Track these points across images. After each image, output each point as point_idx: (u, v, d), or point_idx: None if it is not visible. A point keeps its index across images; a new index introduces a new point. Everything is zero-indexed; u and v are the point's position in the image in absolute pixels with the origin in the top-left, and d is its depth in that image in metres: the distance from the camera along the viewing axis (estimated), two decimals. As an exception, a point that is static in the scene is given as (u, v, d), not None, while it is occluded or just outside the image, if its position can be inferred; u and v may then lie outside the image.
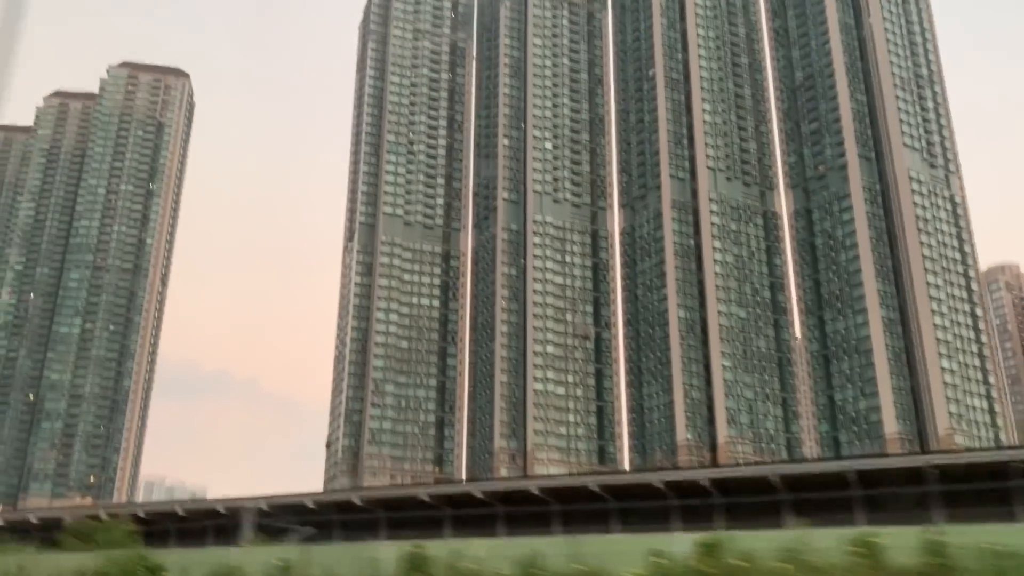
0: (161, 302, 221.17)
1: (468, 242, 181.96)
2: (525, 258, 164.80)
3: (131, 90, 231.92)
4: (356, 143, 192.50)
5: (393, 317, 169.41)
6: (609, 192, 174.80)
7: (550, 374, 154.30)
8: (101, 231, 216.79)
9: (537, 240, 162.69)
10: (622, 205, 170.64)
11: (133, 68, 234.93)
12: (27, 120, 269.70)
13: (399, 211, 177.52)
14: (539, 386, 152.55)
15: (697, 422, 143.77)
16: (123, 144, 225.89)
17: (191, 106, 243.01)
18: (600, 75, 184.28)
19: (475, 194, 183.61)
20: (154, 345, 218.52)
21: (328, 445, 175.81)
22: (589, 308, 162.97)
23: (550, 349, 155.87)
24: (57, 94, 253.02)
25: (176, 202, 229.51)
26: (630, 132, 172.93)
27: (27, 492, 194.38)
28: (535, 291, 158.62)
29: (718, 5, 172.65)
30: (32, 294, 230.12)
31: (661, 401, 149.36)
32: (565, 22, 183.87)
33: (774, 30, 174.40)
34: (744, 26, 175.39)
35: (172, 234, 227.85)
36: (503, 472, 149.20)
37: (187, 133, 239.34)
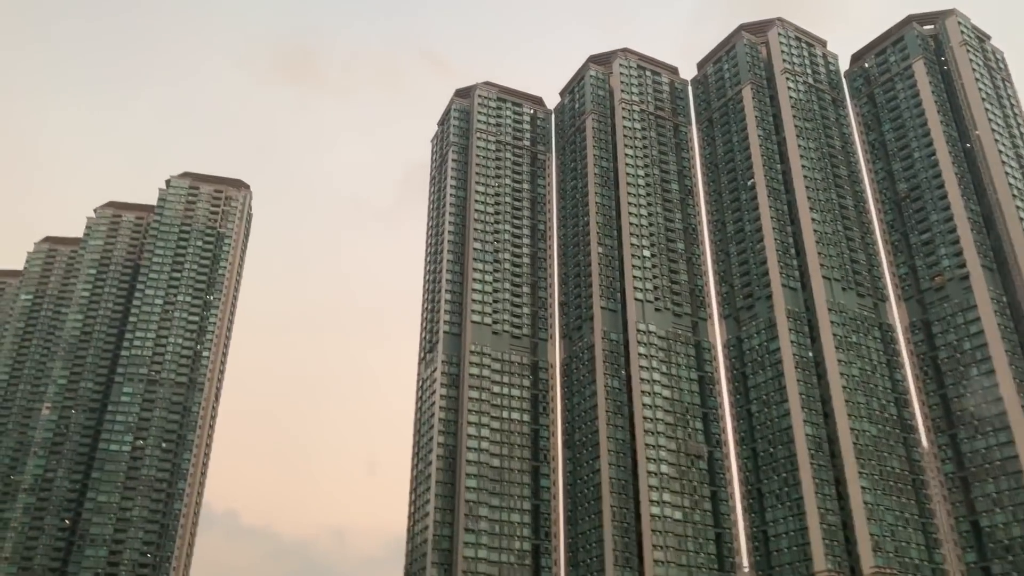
0: (214, 419, 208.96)
1: (556, 353, 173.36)
2: (628, 369, 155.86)
3: (192, 200, 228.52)
4: (436, 252, 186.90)
5: (485, 432, 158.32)
6: (707, 302, 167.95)
7: (666, 496, 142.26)
8: (157, 343, 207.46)
9: (643, 350, 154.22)
10: (723, 316, 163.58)
11: (195, 178, 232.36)
12: (71, 231, 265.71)
13: (487, 319, 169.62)
14: (656, 510, 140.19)
15: (835, 550, 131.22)
16: (182, 254, 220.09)
17: (250, 217, 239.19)
18: (690, 185, 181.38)
19: (563, 303, 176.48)
20: (205, 466, 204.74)
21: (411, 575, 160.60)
22: (699, 424, 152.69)
23: (664, 469, 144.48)
24: (110, 204, 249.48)
25: (232, 314, 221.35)
26: (728, 242, 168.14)
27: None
28: (644, 404, 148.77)
29: (814, 118, 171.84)
30: (74, 410, 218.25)
31: (790, 527, 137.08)
32: (653, 134, 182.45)
33: (869, 143, 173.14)
34: (839, 139, 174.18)
35: (227, 347, 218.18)
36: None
37: (245, 244, 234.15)
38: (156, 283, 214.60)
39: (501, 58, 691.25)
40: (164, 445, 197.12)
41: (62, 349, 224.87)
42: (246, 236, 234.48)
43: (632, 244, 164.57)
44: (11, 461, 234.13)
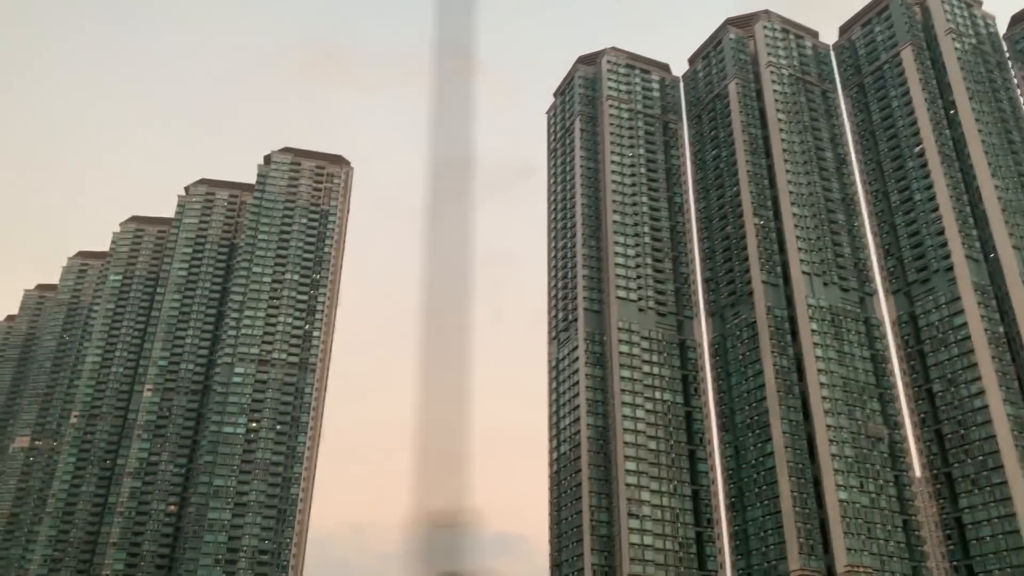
0: (324, 401, 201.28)
1: (703, 331, 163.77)
2: (796, 347, 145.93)
3: (294, 176, 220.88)
4: (566, 226, 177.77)
5: (640, 413, 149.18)
6: (871, 276, 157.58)
7: (852, 481, 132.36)
8: (267, 322, 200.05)
9: (815, 326, 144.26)
10: (891, 291, 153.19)
11: (296, 154, 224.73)
12: (159, 211, 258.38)
13: (632, 296, 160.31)
14: (843, 495, 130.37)
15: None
16: (287, 232, 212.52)
17: (351, 194, 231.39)
18: (843, 153, 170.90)
19: (708, 279, 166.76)
20: (318, 450, 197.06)
21: (557, 565, 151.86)
22: (876, 405, 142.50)
23: (848, 452, 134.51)
24: (202, 182, 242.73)
25: (337, 294, 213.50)
26: (893, 212, 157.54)
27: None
28: (821, 383, 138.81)
29: (982, 80, 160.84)
30: (175, 392, 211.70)
31: (992, 514, 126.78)
32: (803, 99, 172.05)
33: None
34: (1007, 102, 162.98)
35: (333, 328, 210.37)
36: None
37: (347, 222, 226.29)
38: (263, 261, 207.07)
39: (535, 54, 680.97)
40: (279, 427, 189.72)
41: (161, 330, 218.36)
42: (348, 214, 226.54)
43: (794, 214, 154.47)
44: (107, 444, 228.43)
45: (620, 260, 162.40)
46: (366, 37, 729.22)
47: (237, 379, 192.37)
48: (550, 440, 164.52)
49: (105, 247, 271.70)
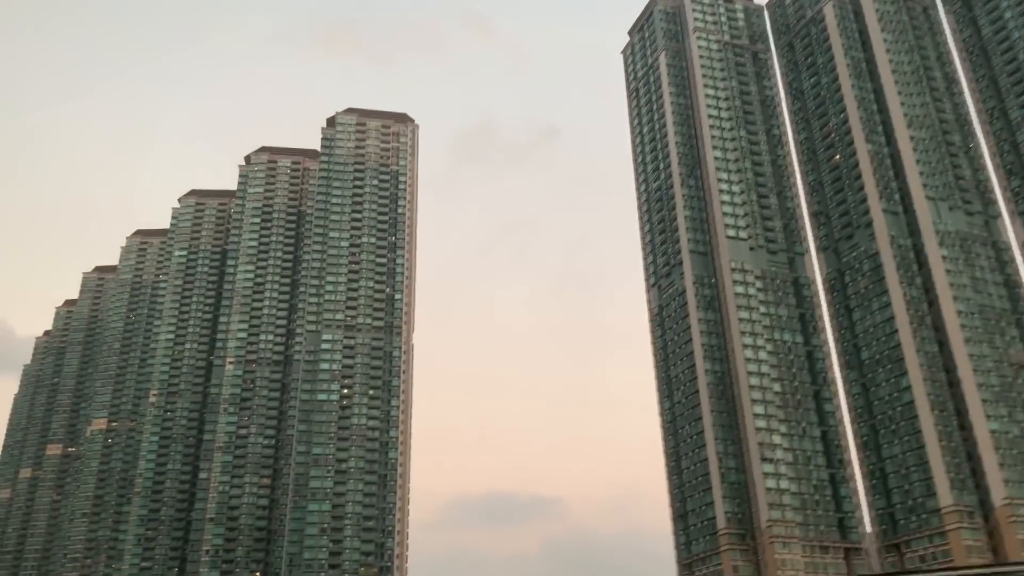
0: (412, 364, 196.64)
1: (815, 267, 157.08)
2: (926, 275, 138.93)
3: (361, 137, 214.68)
4: (658, 167, 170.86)
5: (762, 355, 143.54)
6: (994, 199, 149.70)
7: (1001, 410, 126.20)
8: (349, 287, 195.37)
9: (945, 252, 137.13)
10: (1018, 212, 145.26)
11: (360, 114, 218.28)
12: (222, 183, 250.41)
13: (742, 234, 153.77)
14: (994, 425, 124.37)
15: None
16: (360, 195, 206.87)
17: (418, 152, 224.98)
18: (950, 72, 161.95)
19: (816, 213, 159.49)
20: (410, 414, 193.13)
21: (680, 516, 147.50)
22: (1014, 332, 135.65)
23: (993, 380, 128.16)
24: (263, 150, 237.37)
25: (415, 256, 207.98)
26: (1014, 131, 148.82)
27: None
28: (958, 312, 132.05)
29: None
30: (258, 364, 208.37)
31: None
32: (905, 17, 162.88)
33: None
34: None
35: (414, 290, 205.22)
36: (963, 535, 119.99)
37: (417, 181, 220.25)
38: (338, 226, 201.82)
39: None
40: (371, 393, 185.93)
41: (237, 303, 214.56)
42: (417, 173, 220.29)
43: (911, 137, 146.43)
44: (188, 421, 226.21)
45: (726, 198, 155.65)
46: (377, 9, 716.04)
47: (325, 346, 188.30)
48: (659, 390, 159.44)
49: (160, 225, 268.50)
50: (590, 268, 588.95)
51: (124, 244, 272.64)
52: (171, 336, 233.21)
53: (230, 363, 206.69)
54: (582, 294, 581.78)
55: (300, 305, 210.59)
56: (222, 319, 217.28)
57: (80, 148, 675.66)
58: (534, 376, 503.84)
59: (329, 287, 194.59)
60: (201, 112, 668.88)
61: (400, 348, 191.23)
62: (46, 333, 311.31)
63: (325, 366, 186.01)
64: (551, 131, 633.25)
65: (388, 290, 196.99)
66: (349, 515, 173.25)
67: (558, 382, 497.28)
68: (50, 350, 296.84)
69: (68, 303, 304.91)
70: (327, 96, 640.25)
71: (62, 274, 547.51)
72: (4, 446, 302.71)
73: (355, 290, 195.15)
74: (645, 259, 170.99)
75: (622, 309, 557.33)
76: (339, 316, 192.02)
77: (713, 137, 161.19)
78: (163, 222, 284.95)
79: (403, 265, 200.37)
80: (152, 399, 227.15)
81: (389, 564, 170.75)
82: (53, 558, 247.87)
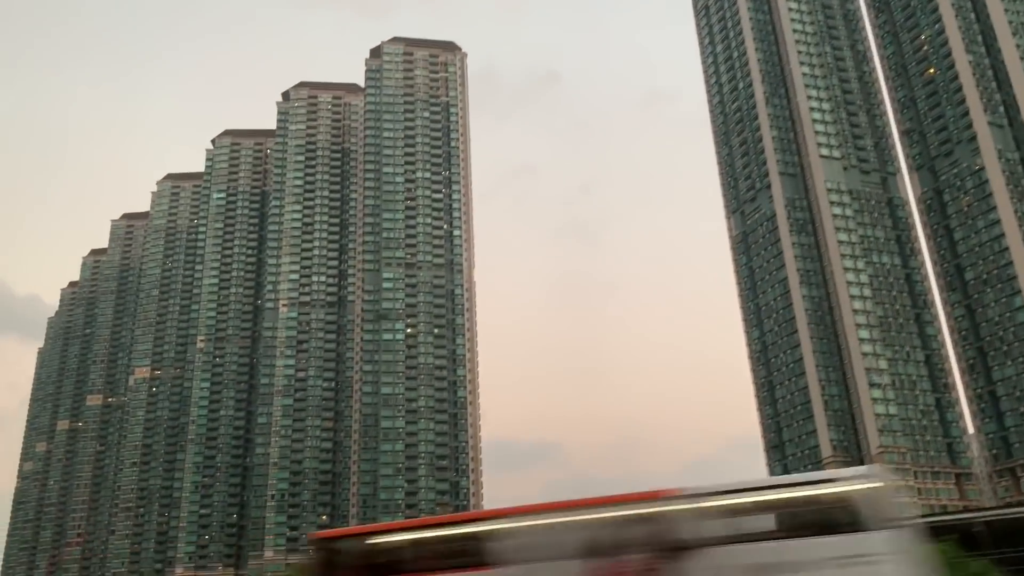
0: (475, 302, 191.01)
1: (908, 187, 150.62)
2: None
3: (408, 68, 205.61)
4: (736, 86, 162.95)
5: (863, 278, 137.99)
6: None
7: None
8: (407, 225, 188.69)
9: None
10: None
11: (407, 44, 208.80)
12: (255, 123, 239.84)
13: (835, 153, 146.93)
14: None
15: None
16: (411, 128, 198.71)
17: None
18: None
19: (907, 131, 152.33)
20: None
21: (775, 447, 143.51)
22: None
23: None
24: (302, 85, 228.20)
25: (471, 191, 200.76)
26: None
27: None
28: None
29: None
30: (311, 306, 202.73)
31: None
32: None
33: None
34: None
35: (472, 225, 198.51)
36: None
37: (468, 113, 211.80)
38: (392, 161, 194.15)
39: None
40: (436, 331, 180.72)
41: (287, 244, 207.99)
42: (467, 104, 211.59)
43: (1017, 46, 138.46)
44: (238, 366, 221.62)
45: (817, 116, 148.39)
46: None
47: (387, 284, 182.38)
48: (745, 320, 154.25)
49: (183, 169, 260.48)
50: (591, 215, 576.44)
51: (155, 189, 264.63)
52: (215, 281, 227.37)
53: (284, 306, 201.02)
54: (583, 241, 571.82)
55: (351, 245, 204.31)
56: (270, 261, 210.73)
57: (95, 104, 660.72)
58: (541, 325, 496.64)
59: (387, 224, 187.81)
60: (218, 64, 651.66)
61: (462, 286, 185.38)
62: (71, 284, 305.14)
63: (388, 305, 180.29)
64: (551, 77, 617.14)
65: (446, 226, 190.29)
66: (422, 455, 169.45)
67: (563, 331, 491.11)
68: (79, 301, 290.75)
69: (95, 252, 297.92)
70: (325, 47, 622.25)
71: (91, 223, 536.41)
72: (33, 400, 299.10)
73: (413, 227, 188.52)
74: (724, 185, 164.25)
75: (623, 252, 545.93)
76: (399, 254, 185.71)
77: (799, 52, 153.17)
78: (188, 167, 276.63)
79: (459, 200, 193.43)
80: (200, 345, 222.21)
81: (465, 503, 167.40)
82: (101, 508, 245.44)
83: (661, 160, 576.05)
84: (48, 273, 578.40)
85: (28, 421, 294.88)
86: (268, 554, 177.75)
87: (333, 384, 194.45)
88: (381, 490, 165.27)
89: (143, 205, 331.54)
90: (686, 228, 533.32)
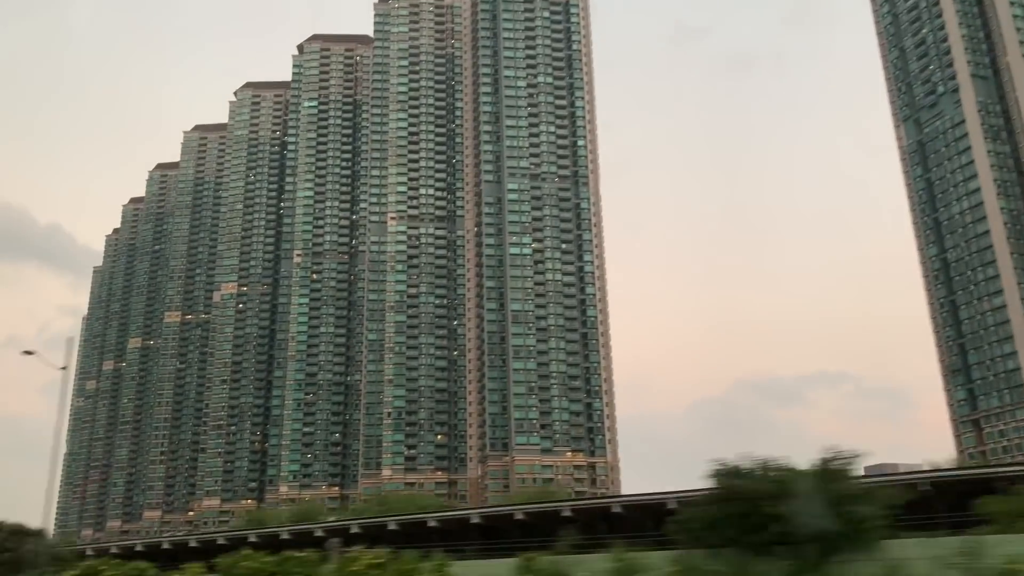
0: (601, 217, 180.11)
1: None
2: None
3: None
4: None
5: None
6: None
7: None
8: (531, 134, 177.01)
9: None
10: None
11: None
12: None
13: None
14: None
15: None
16: (532, 29, 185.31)
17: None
18: None
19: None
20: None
21: (955, 371, 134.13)
22: None
23: None
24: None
25: (594, 98, 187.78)
26: None
27: (508, 448, 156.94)
28: None
29: None
30: (420, 220, 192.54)
31: None
32: None
33: None
34: None
35: (596, 136, 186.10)
36: None
37: (589, 14, 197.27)
38: (513, 63, 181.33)
39: None
40: (563, 247, 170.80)
41: (392, 155, 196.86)
42: (588, 4, 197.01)
43: None
44: (337, 283, 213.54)
45: (1018, 11, 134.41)
46: None
47: (512, 196, 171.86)
48: (919, 235, 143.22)
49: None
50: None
51: (234, 99, 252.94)
52: (310, 193, 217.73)
53: (392, 219, 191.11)
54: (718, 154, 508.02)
55: (459, 157, 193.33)
56: (373, 172, 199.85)
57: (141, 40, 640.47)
58: (676, 245, 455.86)
59: (509, 132, 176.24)
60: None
61: (588, 199, 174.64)
62: (134, 201, 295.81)
63: (514, 218, 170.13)
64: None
65: (570, 136, 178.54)
66: (554, 374, 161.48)
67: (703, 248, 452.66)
68: (148, 217, 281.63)
69: (163, 167, 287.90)
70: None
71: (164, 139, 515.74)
72: (91, 319, 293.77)
73: (536, 135, 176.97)
74: (893, 91, 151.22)
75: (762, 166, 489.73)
76: (523, 164, 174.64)
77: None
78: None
79: (583, 108, 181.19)
80: (296, 260, 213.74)
81: (599, 424, 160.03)
82: (183, 426, 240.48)
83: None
84: (68, 203, 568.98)
85: (85, 341, 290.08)
86: (385, 472, 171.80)
87: (444, 301, 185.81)
88: (516, 409, 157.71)
89: (173, 127, 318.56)
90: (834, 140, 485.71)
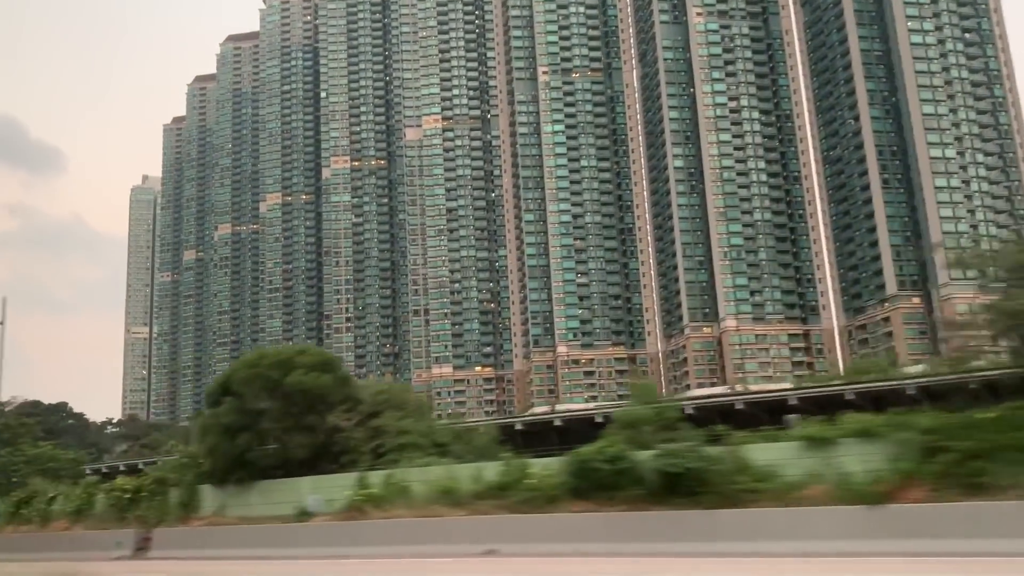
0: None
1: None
2: None
3: None
4: None
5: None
6: None
7: None
8: None
9: None
10: None
11: None
12: None
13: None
14: None
15: None
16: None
17: None
18: None
19: None
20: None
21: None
22: None
23: None
24: None
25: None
26: None
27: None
28: None
29: None
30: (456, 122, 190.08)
31: None
32: None
33: None
34: None
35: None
36: None
37: None
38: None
39: None
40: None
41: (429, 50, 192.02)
42: None
43: None
44: (379, 191, 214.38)
45: None
46: None
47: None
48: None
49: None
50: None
51: (263, 7, 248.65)
52: (345, 98, 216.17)
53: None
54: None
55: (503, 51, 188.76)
56: (406, 76, 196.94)
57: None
58: None
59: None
60: None
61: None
62: (176, 120, 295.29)
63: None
64: None
65: None
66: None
67: None
68: (187, 136, 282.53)
69: (199, 79, 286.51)
70: None
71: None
72: (134, 234, 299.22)
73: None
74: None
75: None
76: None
77: None
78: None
79: None
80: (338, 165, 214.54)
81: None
82: (243, 340, 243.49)
83: None
84: (61, 116, 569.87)
85: (130, 255, 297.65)
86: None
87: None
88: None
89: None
90: None
